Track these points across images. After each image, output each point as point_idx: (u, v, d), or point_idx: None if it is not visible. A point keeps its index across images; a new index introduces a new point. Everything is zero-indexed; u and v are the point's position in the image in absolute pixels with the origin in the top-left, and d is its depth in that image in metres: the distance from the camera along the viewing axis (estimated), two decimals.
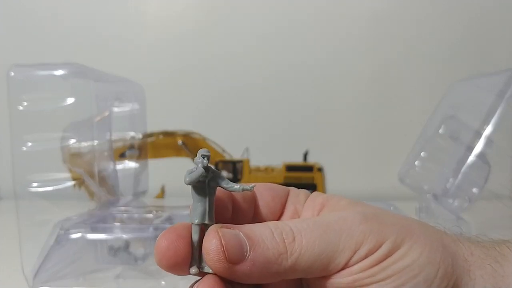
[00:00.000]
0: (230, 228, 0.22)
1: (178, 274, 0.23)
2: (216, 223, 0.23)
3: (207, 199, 0.23)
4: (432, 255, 0.22)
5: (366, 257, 0.22)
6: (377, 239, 0.22)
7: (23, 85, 0.53)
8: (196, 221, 0.23)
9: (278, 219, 0.27)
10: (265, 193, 0.27)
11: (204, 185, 0.23)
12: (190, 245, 0.23)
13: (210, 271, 0.22)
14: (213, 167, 0.24)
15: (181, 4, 1.08)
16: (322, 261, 0.22)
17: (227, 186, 0.24)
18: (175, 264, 0.22)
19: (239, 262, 0.21)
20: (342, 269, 0.22)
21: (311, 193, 0.28)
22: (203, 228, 0.23)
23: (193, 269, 0.23)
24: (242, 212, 0.26)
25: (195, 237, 0.23)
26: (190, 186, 0.23)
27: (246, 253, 0.21)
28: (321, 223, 0.23)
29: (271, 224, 0.23)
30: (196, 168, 0.23)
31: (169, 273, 0.23)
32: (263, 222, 0.24)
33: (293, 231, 0.22)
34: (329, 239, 0.22)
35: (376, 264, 0.22)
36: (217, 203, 0.24)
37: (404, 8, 1.05)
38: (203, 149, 0.23)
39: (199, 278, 0.24)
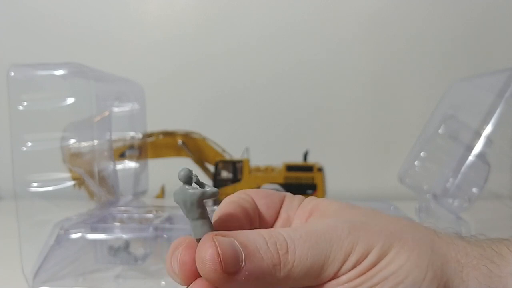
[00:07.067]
0: (224, 236, 0.21)
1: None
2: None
3: (207, 213, 0.23)
4: (419, 258, 0.23)
5: (354, 267, 0.22)
6: (365, 248, 0.22)
7: (23, 85, 0.53)
8: None
9: (272, 226, 0.27)
10: (261, 202, 0.27)
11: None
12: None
13: None
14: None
15: (181, 4, 1.08)
16: (314, 271, 0.22)
17: (209, 193, 0.22)
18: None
19: (235, 273, 0.21)
20: (331, 279, 0.22)
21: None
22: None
23: None
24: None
25: None
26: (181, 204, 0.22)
27: (242, 263, 0.21)
28: (312, 233, 0.23)
29: (264, 232, 0.22)
30: (190, 187, 0.22)
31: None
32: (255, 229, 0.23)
33: (287, 242, 0.22)
34: (320, 250, 0.22)
35: (363, 274, 0.22)
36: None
37: (404, 7, 1.05)
38: (184, 168, 0.22)
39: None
